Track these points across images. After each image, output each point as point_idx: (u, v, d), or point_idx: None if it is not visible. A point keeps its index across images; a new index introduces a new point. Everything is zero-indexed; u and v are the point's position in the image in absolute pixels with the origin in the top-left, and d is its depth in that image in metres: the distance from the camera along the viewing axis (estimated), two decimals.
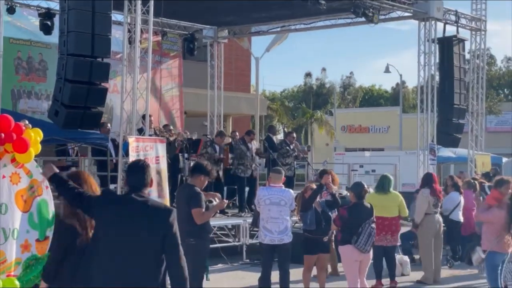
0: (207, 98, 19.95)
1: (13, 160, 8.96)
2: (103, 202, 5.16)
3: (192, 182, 8.53)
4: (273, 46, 22.93)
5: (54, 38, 16.08)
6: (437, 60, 18.10)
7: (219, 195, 9.18)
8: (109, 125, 14.61)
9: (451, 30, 18.41)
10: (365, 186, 9.29)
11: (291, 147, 16.02)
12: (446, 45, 17.83)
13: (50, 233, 9.35)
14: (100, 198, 5.23)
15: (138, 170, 5.22)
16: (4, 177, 8.89)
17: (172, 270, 4.97)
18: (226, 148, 15.66)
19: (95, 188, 5.51)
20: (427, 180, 11.85)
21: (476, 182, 13.65)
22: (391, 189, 11.26)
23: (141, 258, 4.94)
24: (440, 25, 17.94)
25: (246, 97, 26.85)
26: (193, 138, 15.65)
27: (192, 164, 13.47)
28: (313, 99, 60.03)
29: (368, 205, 9.18)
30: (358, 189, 9.17)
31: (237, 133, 17.16)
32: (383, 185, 11.19)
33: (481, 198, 11.79)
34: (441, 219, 11.94)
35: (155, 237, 4.94)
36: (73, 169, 14.82)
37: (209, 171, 8.51)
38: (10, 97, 17.18)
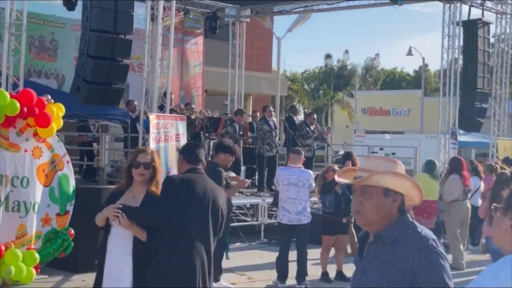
0: (228, 77, 19.91)
1: (35, 134, 9.08)
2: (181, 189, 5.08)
3: (214, 160, 8.56)
4: (295, 26, 22.73)
5: (68, 14, 16.06)
6: (461, 43, 17.88)
7: (240, 177, 9.23)
8: (135, 102, 14.64)
9: (476, 13, 18.16)
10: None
11: (311, 128, 15.97)
12: (471, 28, 17.58)
13: (70, 207, 9.49)
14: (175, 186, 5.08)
15: (194, 151, 5.35)
16: (26, 151, 9.00)
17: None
18: (245, 126, 15.64)
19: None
20: (456, 166, 11.73)
21: (497, 166, 13.52)
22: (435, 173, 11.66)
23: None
24: (465, 7, 17.70)
25: (267, 77, 26.74)
26: (214, 116, 15.66)
27: (212, 142, 13.54)
28: (334, 80, 59.75)
29: None
30: None
31: (258, 114, 17.14)
32: (432, 168, 11.39)
33: None
34: (469, 206, 11.81)
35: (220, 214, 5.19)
36: (95, 144, 14.95)
37: (231, 149, 8.53)
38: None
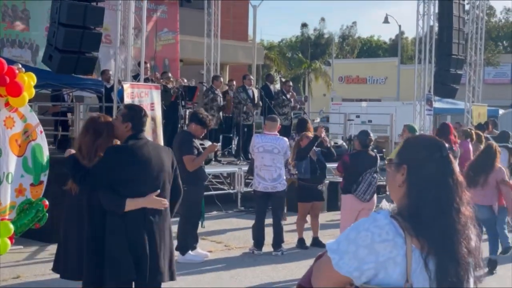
0: (203, 46, 19.75)
1: (7, 104, 8.92)
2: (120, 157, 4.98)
3: (187, 130, 8.55)
4: None
5: None
6: (437, 10, 17.89)
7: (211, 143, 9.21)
8: (111, 72, 14.48)
9: None
10: (371, 135, 9.22)
11: (288, 96, 15.93)
12: None
13: (44, 178, 9.39)
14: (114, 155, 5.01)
15: (139, 114, 5.19)
16: None
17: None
18: (229, 97, 15.59)
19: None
20: (443, 131, 11.79)
21: (472, 132, 13.63)
22: None
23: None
24: None
25: (243, 45, 26.57)
26: (190, 85, 15.56)
27: (188, 111, 13.49)
28: (311, 49, 59.60)
29: (373, 154, 9.12)
30: (363, 137, 9.07)
31: (234, 82, 17.06)
32: (412, 132, 11.31)
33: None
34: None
35: (170, 177, 5.11)
36: (69, 115, 14.81)
37: (203, 122, 8.50)
38: None
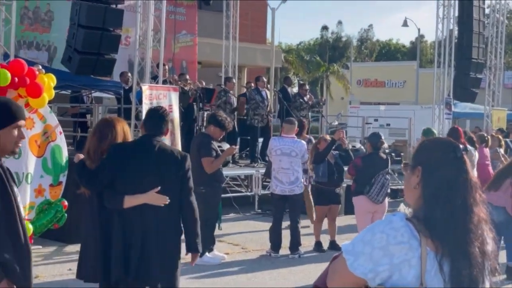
0: (222, 49, 19.79)
1: (26, 105, 9.00)
2: (118, 157, 4.98)
3: (205, 132, 8.56)
4: None
5: None
6: (456, 14, 17.79)
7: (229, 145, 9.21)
8: (129, 74, 14.55)
9: None
10: (382, 137, 9.22)
11: (305, 99, 15.91)
12: None
13: (63, 178, 9.45)
14: (113, 155, 5.01)
15: (158, 117, 5.13)
16: None
17: (185, 213, 5.00)
18: (242, 99, 15.58)
19: (126, 134, 5.29)
20: (453, 136, 11.71)
21: (488, 137, 13.52)
22: None
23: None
24: None
25: (262, 48, 26.58)
26: (207, 87, 15.58)
27: (206, 114, 13.50)
28: (329, 52, 59.50)
29: (384, 156, 9.12)
30: (374, 140, 9.08)
31: (252, 84, 17.06)
32: (430, 135, 11.18)
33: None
34: None
35: (174, 181, 4.95)
36: (88, 116, 14.90)
37: (222, 124, 8.49)
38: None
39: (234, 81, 16.11)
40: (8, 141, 3.35)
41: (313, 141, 11.17)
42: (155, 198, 4.83)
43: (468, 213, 2.36)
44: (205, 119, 13.12)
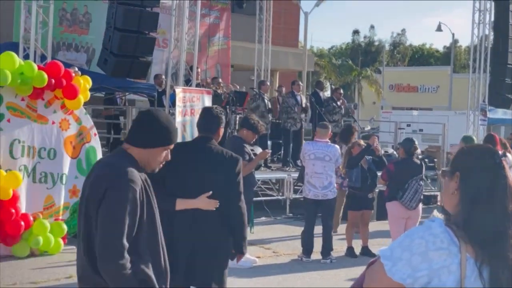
0: (254, 52, 19.81)
1: (62, 106, 9.16)
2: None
3: (238, 135, 8.56)
4: (322, 1, 22.51)
5: None
6: (492, 19, 17.58)
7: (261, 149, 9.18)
8: (163, 76, 14.64)
9: None
10: (416, 142, 9.14)
11: (338, 103, 15.85)
12: (502, 2, 17.28)
13: None
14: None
15: (209, 117, 5.10)
16: (53, 123, 9.08)
17: (233, 217, 4.95)
18: (275, 101, 15.57)
19: None
20: (490, 142, 11.55)
21: None
22: None
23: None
24: None
25: (294, 52, 26.55)
26: (240, 90, 15.61)
27: (238, 117, 13.52)
28: (361, 56, 59.26)
29: (418, 162, 9.04)
30: (408, 145, 9.01)
31: (284, 88, 17.05)
32: (470, 143, 10.93)
33: None
34: None
35: (224, 184, 4.90)
36: (122, 118, 15.03)
37: (255, 127, 8.46)
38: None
39: (268, 84, 16.11)
40: (154, 160, 3.41)
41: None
42: (206, 203, 4.81)
43: (508, 219, 2.33)
44: (237, 122, 13.13)
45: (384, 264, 2.37)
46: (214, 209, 4.84)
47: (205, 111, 5.27)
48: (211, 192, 4.79)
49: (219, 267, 4.96)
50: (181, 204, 4.82)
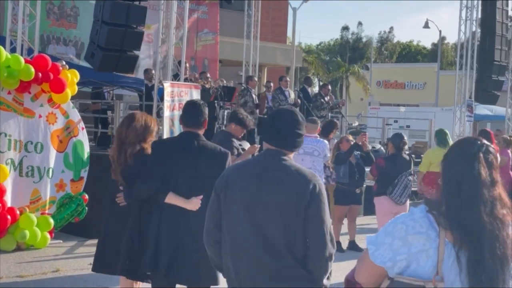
0: (242, 47, 19.78)
1: (49, 100, 9.11)
2: (165, 153, 4.93)
3: (226, 129, 8.53)
4: None
5: None
6: (479, 16, 17.65)
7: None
8: (153, 71, 14.60)
9: None
10: (405, 138, 9.18)
11: (326, 99, 15.88)
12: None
13: (84, 173, 9.53)
14: (158, 152, 4.99)
15: (192, 109, 5.06)
16: (40, 116, 9.03)
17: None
18: (263, 96, 15.56)
19: (150, 123, 5.43)
20: (486, 140, 11.57)
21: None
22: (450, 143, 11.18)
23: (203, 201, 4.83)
24: None
25: (282, 48, 26.54)
26: (228, 85, 15.59)
27: (226, 112, 13.50)
28: (349, 53, 59.35)
29: (407, 157, 9.08)
30: (397, 140, 9.05)
31: (272, 84, 17.05)
32: (443, 139, 10.84)
33: None
34: None
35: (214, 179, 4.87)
36: (109, 112, 14.98)
37: (243, 122, 8.43)
38: (40, 42, 17.21)
39: (255, 79, 16.11)
40: None
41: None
42: (192, 204, 4.80)
43: (484, 208, 2.37)
44: (225, 117, 13.11)
45: (368, 249, 2.47)
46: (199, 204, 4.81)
47: (188, 104, 5.21)
48: (202, 196, 4.76)
49: (210, 265, 4.90)
50: (172, 199, 4.81)
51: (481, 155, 2.46)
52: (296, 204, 3.36)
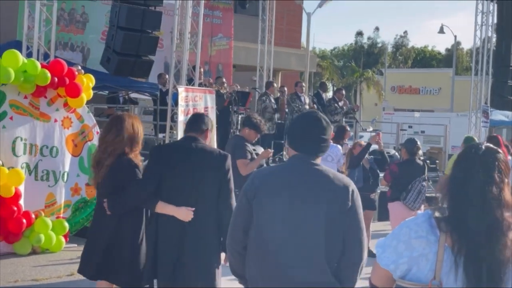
0: (257, 53, 19.81)
1: (65, 104, 9.16)
2: (165, 157, 4.92)
3: (240, 134, 8.56)
4: (325, 2, 22.53)
5: None
6: (495, 21, 17.58)
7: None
8: (167, 76, 14.65)
9: None
10: (418, 143, 9.14)
11: (340, 104, 15.86)
12: (505, 4, 17.28)
13: None
14: (157, 156, 4.96)
15: (195, 117, 5.16)
16: (56, 121, 9.08)
17: (223, 215, 4.79)
18: (283, 101, 15.55)
19: (137, 129, 5.27)
20: (492, 143, 11.52)
21: None
22: None
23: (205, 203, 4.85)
24: None
25: (296, 53, 26.55)
26: (243, 90, 15.62)
27: (240, 116, 13.53)
28: (363, 58, 59.28)
29: (420, 163, 9.04)
30: (410, 146, 9.01)
31: (286, 88, 17.06)
32: None
33: None
34: None
35: (213, 182, 4.84)
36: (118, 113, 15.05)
37: (257, 126, 8.43)
38: (48, 48, 17.31)
39: (275, 85, 16.09)
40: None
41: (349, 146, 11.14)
42: (184, 215, 4.76)
43: (485, 212, 2.36)
44: (239, 122, 13.13)
45: (376, 251, 2.53)
46: (202, 208, 4.79)
47: (194, 115, 5.39)
48: (194, 209, 4.75)
49: (208, 266, 4.85)
50: (161, 207, 4.80)
51: (481, 158, 2.45)
52: (338, 210, 3.33)
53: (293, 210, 3.35)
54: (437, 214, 2.44)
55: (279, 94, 16.88)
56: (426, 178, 9.11)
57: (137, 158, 5.22)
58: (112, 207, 5.06)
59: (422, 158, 9.54)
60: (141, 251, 5.12)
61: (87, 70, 10.72)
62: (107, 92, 14.63)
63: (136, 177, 5.01)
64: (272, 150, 10.23)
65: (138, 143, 5.25)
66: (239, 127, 12.83)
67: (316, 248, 3.31)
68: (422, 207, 9.00)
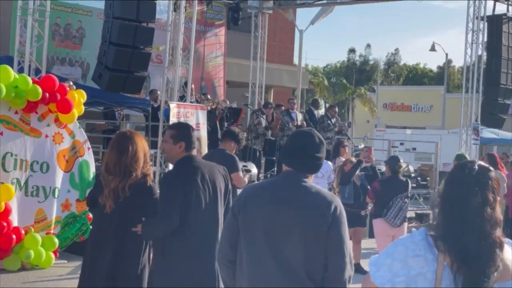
0: (249, 69, 19.87)
1: (56, 120, 9.16)
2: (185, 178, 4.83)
3: (222, 147, 8.37)
4: (318, 19, 22.61)
5: (96, 3, 16.11)
6: (485, 39, 17.68)
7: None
8: (158, 92, 14.67)
9: (501, 8, 17.96)
10: (401, 160, 9.24)
11: (333, 121, 15.91)
12: (495, 23, 17.37)
13: None
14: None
15: (191, 136, 5.10)
16: (47, 136, 9.07)
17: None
18: (277, 118, 15.58)
19: (146, 148, 5.27)
20: (492, 163, 11.48)
21: None
22: None
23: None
24: (490, 2, 17.50)
25: (289, 69, 26.62)
26: (233, 106, 15.64)
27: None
28: (356, 75, 59.49)
29: (403, 179, 9.12)
30: (392, 163, 9.14)
31: (283, 107, 17.10)
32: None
33: None
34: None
35: (223, 198, 4.92)
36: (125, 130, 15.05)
37: (237, 137, 8.35)
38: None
39: (272, 108, 16.06)
40: None
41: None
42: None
43: (479, 231, 2.36)
44: None
45: (370, 269, 2.50)
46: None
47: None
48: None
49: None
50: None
51: (475, 179, 2.44)
52: (318, 226, 3.36)
53: (274, 225, 3.39)
54: (432, 232, 2.44)
55: (272, 110, 16.92)
56: (409, 195, 9.20)
57: (149, 171, 5.22)
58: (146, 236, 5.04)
59: (412, 174, 9.60)
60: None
61: (81, 86, 10.73)
62: (102, 108, 14.62)
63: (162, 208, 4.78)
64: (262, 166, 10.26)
65: (148, 159, 5.27)
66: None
67: (296, 263, 3.34)
68: (405, 224, 9.07)
